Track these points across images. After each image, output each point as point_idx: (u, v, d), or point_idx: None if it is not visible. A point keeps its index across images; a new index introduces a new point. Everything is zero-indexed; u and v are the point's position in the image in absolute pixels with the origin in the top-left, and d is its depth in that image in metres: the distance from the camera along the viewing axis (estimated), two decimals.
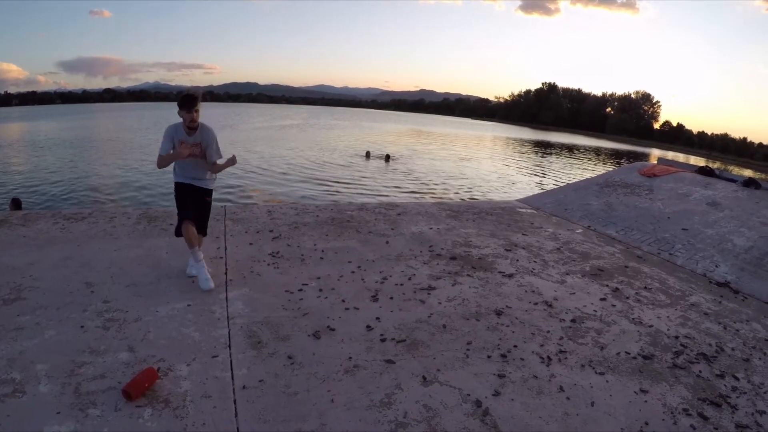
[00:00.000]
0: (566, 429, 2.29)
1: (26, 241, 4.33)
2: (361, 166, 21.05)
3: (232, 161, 3.88)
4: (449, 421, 2.25)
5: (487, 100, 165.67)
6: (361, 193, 14.80)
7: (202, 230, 3.85)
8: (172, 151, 3.52)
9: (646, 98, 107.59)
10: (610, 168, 32.20)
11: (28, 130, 38.01)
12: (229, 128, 40.80)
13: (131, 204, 12.40)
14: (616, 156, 45.21)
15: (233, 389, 2.42)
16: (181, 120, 3.50)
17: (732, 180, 7.77)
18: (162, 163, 3.53)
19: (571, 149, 46.33)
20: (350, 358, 2.77)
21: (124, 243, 4.44)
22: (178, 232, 3.69)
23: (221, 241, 4.65)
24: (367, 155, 24.11)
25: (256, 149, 25.57)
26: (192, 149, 3.56)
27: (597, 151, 49.00)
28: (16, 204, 9.48)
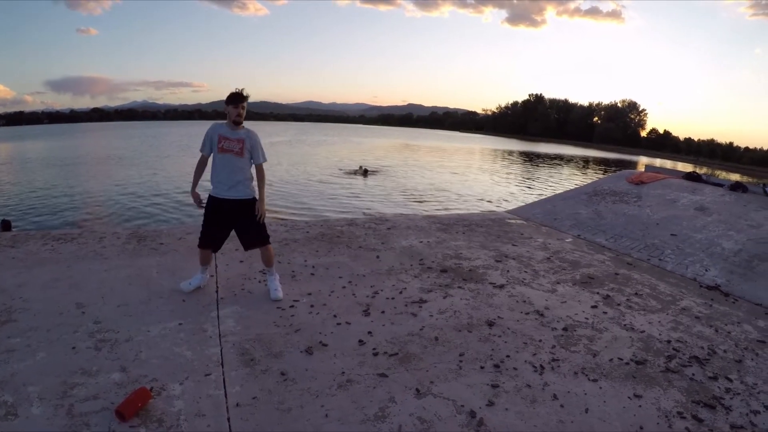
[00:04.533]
0: None
1: (15, 263, 4.32)
2: (349, 181, 21.07)
3: (260, 207, 3.75)
4: None
5: (474, 113, 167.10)
6: (346, 209, 14.78)
7: (256, 243, 3.78)
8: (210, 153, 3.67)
9: (632, 107, 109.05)
10: (598, 177, 32.50)
11: (17, 151, 37.82)
12: None
13: (121, 222, 12.34)
14: (604, 164, 45.61)
15: (227, 407, 2.41)
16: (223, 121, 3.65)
17: (719, 184, 7.87)
18: (200, 167, 3.75)
19: (559, 159, 46.73)
20: (343, 372, 2.76)
21: (113, 263, 4.42)
22: (200, 245, 3.78)
23: (212, 260, 4.61)
24: (365, 173, 23.66)
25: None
26: (231, 145, 3.60)
27: (585, 161, 49.46)
28: (5, 226, 9.47)
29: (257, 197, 3.71)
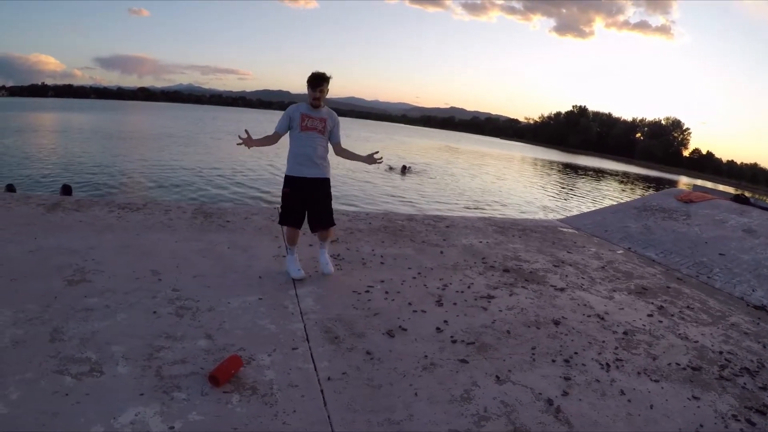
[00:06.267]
0: (631, 428, 2.58)
1: (83, 226, 4.50)
2: (394, 179, 21.45)
3: (371, 159, 3.96)
4: (526, 417, 2.53)
5: (516, 121, 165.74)
6: (392, 204, 15.13)
7: (326, 224, 3.94)
8: (289, 131, 3.80)
9: (676, 125, 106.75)
10: (639, 192, 32.06)
11: (70, 121, 39.10)
12: (264, 135, 40.98)
13: (178, 198, 12.90)
14: (645, 181, 44.85)
15: (318, 380, 2.55)
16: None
17: (767, 209, 7.92)
18: (270, 141, 3.83)
19: (600, 173, 46.09)
20: (426, 356, 2.98)
21: (183, 235, 4.61)
22: (282, 222, 3.95)
23: (281, 240, 4.86)
24: (403, 170, 23.99)
25: None
26: (315, 123, 3.74)
27: (625, 176, 48.62)
28: (66, 190, 9.86)
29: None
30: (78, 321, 2.80)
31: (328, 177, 3.91)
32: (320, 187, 3.86)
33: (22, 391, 2.17)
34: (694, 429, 2.64)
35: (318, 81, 3.64)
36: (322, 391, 2.47)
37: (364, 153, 4.06)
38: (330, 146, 3.94)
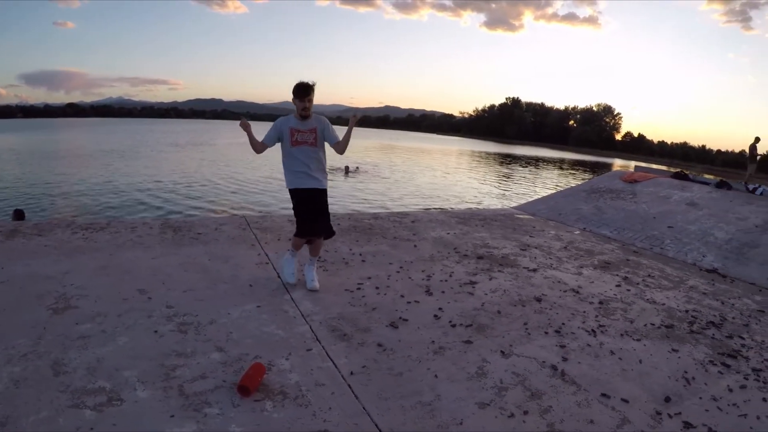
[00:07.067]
0: (629, 380, 2.85)
1: (50, 251, 4.30)
2: (343, 179, 21.53)
3: (354, 121, 3.85)
4: (538, 382, 2.75)
5: (451, 116, 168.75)
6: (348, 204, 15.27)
7: (327, 232, 3.88)
8: (279, 143, 3.69)
9: (607, 110, 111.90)
10: (579, 176, 33.67)
11: (1, 143, 36.70)
12: (207, 144, 40.51)
13: (136, 215, 12.47)
14: (581, 166, 47.08)
15: (342, 376, 2.62)
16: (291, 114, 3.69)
17: (705, 183, 8.65)
18: (257, 146, 3.68)
19: (537, 161, 48.00)
20: (433, 341, 3.13)
21: (158, 251, 4.50)
22: (300, 234, 3.85)
23: (258, 248, 4.86)
24: (346, 170, 23.97)
25: (252, 163, 25.81)
26: (305, 136, 3.65)
27: (562, 162, 50.89)
28: (19, 215, 9.19)
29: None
30: (77, 350, 2.67)
31: (325, 188, 3.88)
32: (318, 197, 3.82)
33: None
34: (681, 375, 2.97)
35: (305, 90, 3.59)
36: (349, 385, 2.55)
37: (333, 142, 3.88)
38: (328, 151, 3.91)
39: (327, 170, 3.92)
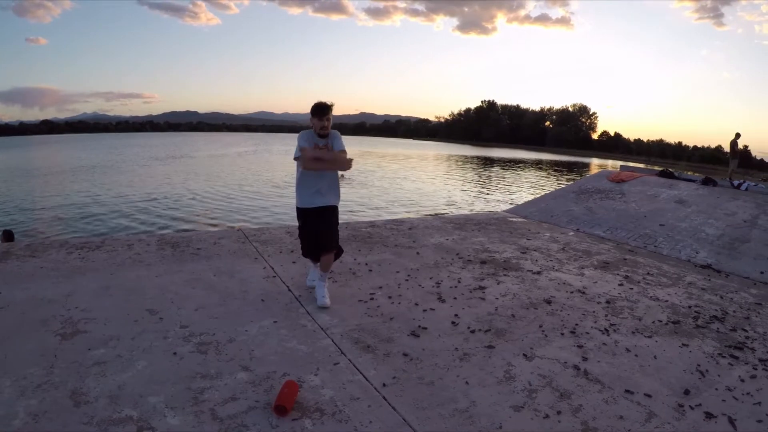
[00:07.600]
0: (648, 376, 2.97)
1: (47, 272, 4.15)
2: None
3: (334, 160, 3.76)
4: (564, 382, 2.84)
5: (427, 121, 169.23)
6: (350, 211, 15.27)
7: (330, 248, 3.84)
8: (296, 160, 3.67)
9: (583, 110, 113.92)
10: (559, 177, 34.18)
11: None
12: (188, 157, 39.80)
13: (129, 230, 12.29)
14: (558, 167, 47.81)
15: (374, 388, 2.61)
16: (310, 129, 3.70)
17: (691, 180, 8.93)
18: (305, 157, 3.59)
19: (515, 163, 48.63)
20: (456, 348, 3.17)
21: (161, 269, 4.40)
22: (305, 254, 3.99)
23: (262, 262, 4.81)
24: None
25: (236, 175, 25.60)
26: (322, 152, 3.65)
27: (540, 163, 51.64)
28: (8, 236, 8.93)
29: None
30: (95, 377, 2.53)
31: (336, 205, 3.90)
32: (327, 213, 3.84)
33: None
34: (695, 368, 3.11)
35: (325, 110, 3.61)
36: (384, 397, 2.54)
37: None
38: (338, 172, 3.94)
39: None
